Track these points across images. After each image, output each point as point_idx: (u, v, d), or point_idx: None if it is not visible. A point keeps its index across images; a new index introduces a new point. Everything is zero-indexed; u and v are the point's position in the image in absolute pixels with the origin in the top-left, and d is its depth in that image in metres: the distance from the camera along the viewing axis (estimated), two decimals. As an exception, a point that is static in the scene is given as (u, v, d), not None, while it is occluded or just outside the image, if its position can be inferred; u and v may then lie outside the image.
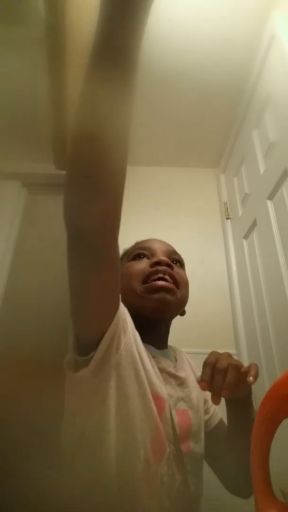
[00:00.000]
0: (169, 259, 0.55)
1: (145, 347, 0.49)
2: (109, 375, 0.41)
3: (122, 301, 0.44)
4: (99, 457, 0.40)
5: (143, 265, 0.54)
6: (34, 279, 1.57)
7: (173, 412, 0.47)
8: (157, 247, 0.58)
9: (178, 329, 0.64)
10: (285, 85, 1.00)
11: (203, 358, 0.63)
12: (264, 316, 1.12)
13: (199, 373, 0.50)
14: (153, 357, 0.50)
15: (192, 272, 0.72)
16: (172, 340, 0.64)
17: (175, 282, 0.53)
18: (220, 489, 0.58)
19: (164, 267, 0.52)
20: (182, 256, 0.65)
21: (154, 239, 0.61)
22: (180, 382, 0.52)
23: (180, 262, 0.60)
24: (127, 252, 0.62)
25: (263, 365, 1.09)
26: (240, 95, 1.34)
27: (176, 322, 0.62)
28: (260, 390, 1.09)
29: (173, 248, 0.62)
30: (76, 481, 0.42)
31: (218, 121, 1.48)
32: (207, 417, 0.58)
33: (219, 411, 0.58)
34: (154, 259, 0.53)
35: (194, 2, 1.04)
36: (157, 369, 0.48)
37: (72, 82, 1.13)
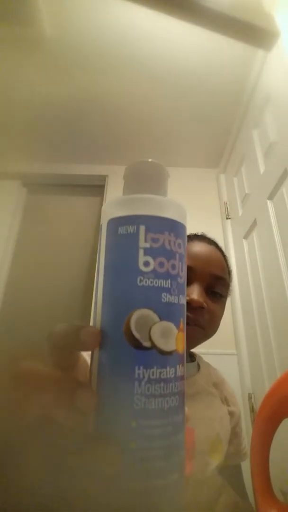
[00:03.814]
0: (208, 290, 0.50)
1: None
2: None
3: None
4: None
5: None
6: (34, 279, 1.57)
7: None
8: (199, 270, 0.50)
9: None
10: (285, 85, 1.00)
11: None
12: (264, 316, 1.11)
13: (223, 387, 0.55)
14: None
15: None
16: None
17: (205, 321, 0.49)
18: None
19: (191, 314, 0.47)
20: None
21: (202, 253, 0.52)
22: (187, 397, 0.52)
23: (221, 291, 0.52)
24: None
25: (263, 365, 1.09)
26: (240, 95, 1.33)
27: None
28: (260, 390, 1.09)
29: (220, 267, 0.52)
30: None
31: (218, 121, 1.48)
32: (231, 449, 0.50)
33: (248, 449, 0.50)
34: (189, 295, 0.47)
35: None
36: None
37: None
